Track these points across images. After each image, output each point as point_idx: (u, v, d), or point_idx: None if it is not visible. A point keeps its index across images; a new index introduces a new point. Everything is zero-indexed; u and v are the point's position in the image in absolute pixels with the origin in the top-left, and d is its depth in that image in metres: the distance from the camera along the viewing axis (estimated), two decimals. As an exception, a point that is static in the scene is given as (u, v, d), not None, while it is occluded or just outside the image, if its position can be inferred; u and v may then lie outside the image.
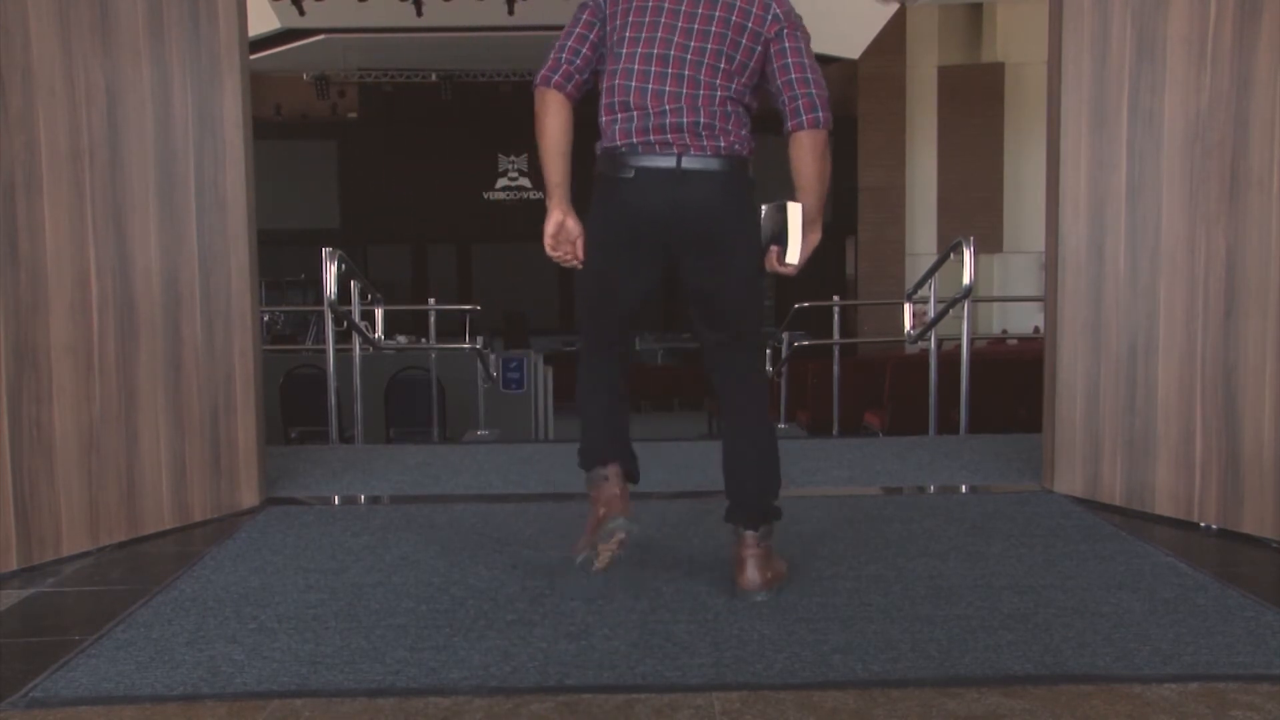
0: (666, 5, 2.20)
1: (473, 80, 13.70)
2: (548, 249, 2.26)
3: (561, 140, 2.23)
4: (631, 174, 2.19)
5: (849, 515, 3.04)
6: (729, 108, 2.20)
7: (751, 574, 2.27)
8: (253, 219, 3.20)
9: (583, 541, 2.33)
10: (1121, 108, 3.03)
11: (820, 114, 2.19)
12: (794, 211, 2.21)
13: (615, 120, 2.22)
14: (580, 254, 2.26)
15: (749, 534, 2.29)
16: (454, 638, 2.08)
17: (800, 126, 2.19)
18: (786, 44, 2.21)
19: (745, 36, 2.19)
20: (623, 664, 1.94)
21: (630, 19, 2.21)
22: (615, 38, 2.23)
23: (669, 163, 2.17)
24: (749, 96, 2.25)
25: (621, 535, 2.25)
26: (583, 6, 2.28)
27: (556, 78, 2.22)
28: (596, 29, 2.25)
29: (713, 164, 2.19)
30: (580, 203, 2.28)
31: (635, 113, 2.19)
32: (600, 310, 2.33)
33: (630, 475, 2.37)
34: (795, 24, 2.23)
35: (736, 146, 2.21)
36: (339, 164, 14.55)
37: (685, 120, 2.17)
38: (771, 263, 2.25)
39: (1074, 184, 3.17)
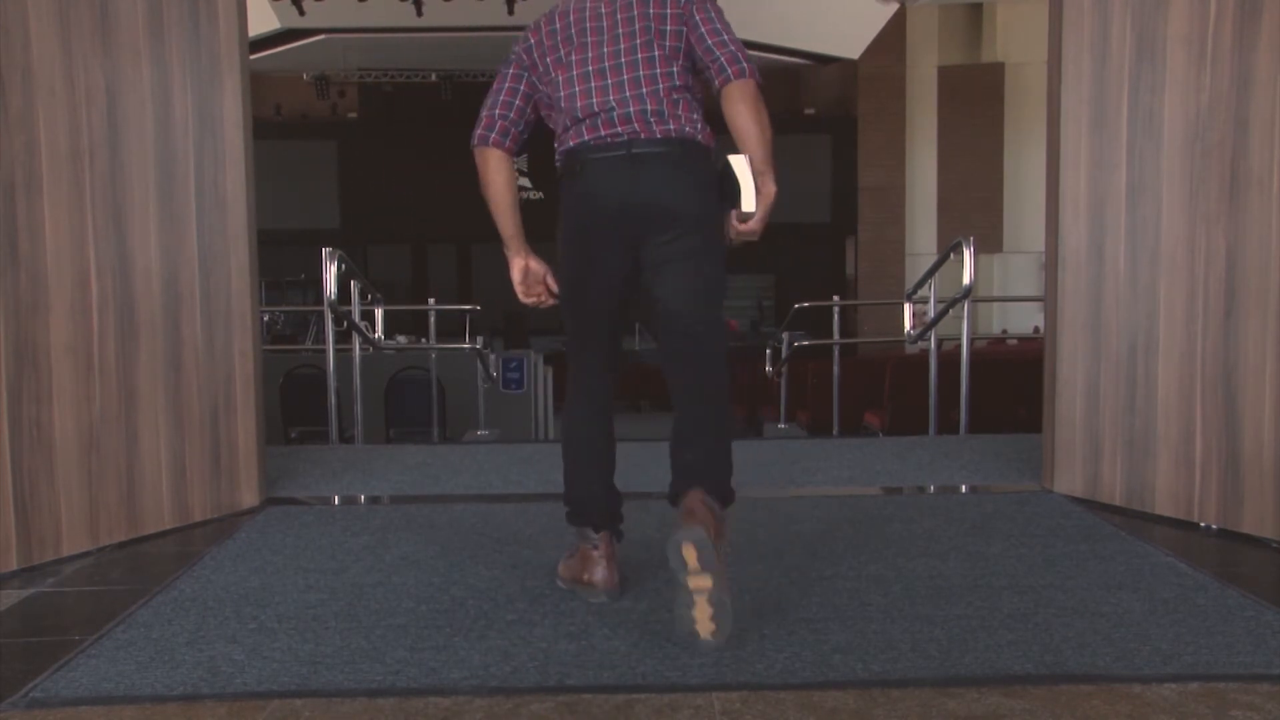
0: (589, 26, 2.24)
1: (473, 80, 13.71)
2: (520, 296, 2.37)
3: (507, 194, 2.31)
4: (581, 164, 2.21)
5: (849, 515, 3.04)
6: (675, 95, 2.21)
7: (696, 520, 1.94)
8: (253, 219, 3.20)
9: (565, 581, 2.37)
10: (1121, 108, 3.03)
11: (744, 64, 2.18)
12: (738, 163, 2.16)
13: (568, 129, 2.24)
14: (554, 287, 2.34)
15: (696, 490, 2.03)
16: (454, 638, 2.08)
17: (728, 79, 2.18)
18: (698, 15, 2.22)
19: (669, 22, 2.22)
20: (623, 664, 1.93)
21: (560, 54, 2.25)
22: (550, 75, 2.26)
23: (620, 151, 2.18)
24: (692, 80, 2.25)
25: (603, 601, 2.27)
26: (507, 61, 2.34)
27: (494, 135, 2.29)
28: (525, 79, 2.31)
29: (661, 147, 2.18)
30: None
31: (585, 120, 2.21)
32: (581, 312, 2.32)
33: (618, 536, 2.35)
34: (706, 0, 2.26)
35: (688, 129, 2.20)
36: (339, 164, 14.55)
37: (633, 110, 2.18)
38: (732, 224, 2.19)
39: (1074, 184, 3.17)
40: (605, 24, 2.24)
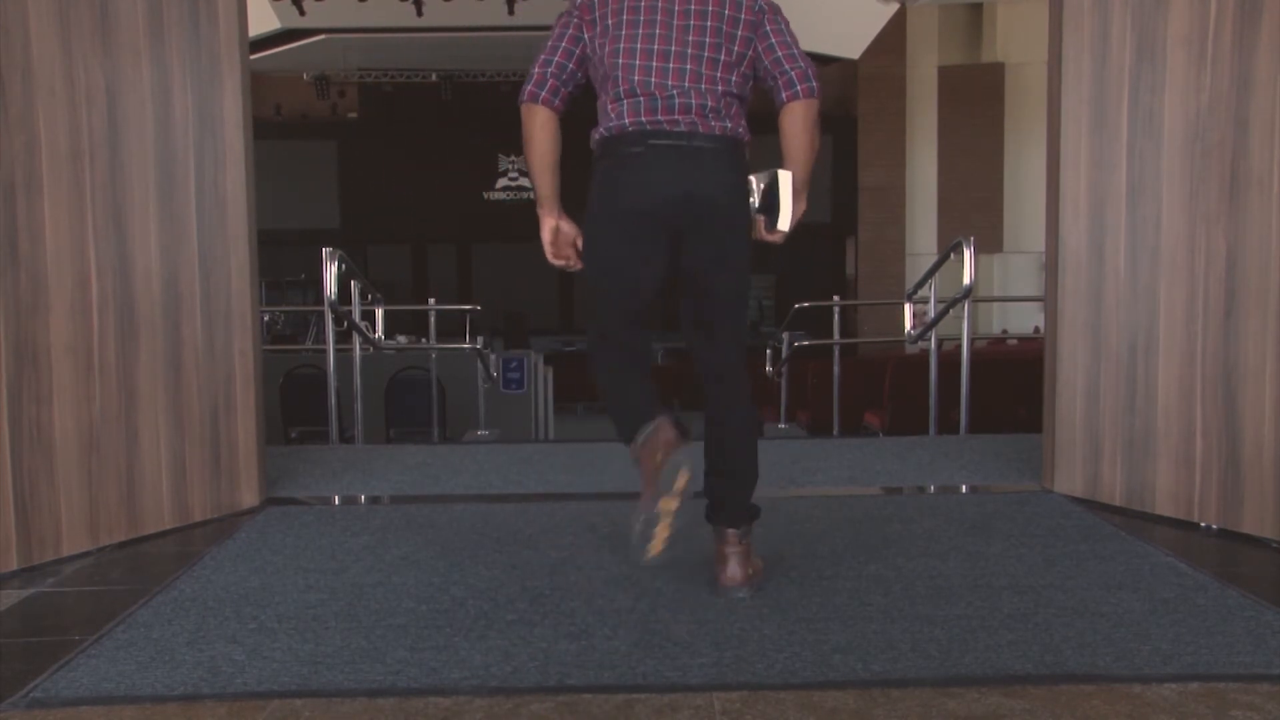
0: (659, 5, 2.23)
1: (473, 80, 13.69)
2: (549, 257, 2.34)
3: (551, 154, 2.28)
4: (641, 149, 2.19)
5: (849, 515, 3.04)
6: (730, 99, 2.25)
7: (734, 570, 2.30)
8: (253, 219, 3.20)
9: (644, 501, 2.17)
10: (1121, 108, 3.03)
11: (813, 84, 2.26)
12: (785, 179, 2.25)
13: (622, 105, 2.21)
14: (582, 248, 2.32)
15: (731, 532, 2.31)
16: (454, 638, 2.08)
17: (796, 96, 2.25)
18: (769, 27, 2.28)
19: (740, 28, 2.25)
20: (623, 664, 1.94)
21: (623, 17, 2.23)
22: (608, 39, 2.23)
23: (680, 140, 2.19)
24: (745, 88, 2.30)
25: (687, 474, 2.15)
26: (566, 15, 2.30)
27: (544, 94, 2.25)
28: (581, 43, 2.28)
29: (720, 144, 2.22)
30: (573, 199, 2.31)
31: (642, 98, 2.20)
32: (611, 303, 2.27)
33: (682, 429, 2.21)
34: (776, 10, 2.31)
35: (739, 132, 2.26)
36: (339, 164, 14.53)
37: (694, 102, 2.20)
38: (760, 231, 2.29)
39: (1074, 184, 3.17)
40: (677, 7, 2.23)
